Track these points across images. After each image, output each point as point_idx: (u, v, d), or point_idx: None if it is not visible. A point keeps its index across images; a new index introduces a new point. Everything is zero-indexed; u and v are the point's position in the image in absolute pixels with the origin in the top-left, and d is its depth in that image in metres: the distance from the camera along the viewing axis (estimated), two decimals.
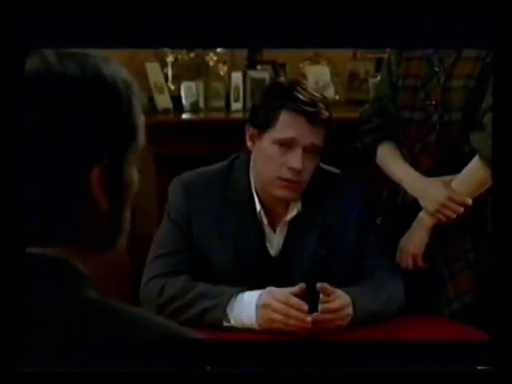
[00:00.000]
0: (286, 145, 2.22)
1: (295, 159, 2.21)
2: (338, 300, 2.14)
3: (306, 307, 2.11)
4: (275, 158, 2.24)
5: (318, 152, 2.26)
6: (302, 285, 2.14)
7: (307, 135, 2.22)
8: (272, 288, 2.16)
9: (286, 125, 2.22)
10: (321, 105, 2.23)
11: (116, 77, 1.06)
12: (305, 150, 2.22)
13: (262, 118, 2.26)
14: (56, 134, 1.01)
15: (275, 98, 2.25)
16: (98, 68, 1.05)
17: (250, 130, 2.30)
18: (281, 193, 2.26)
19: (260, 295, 2.15)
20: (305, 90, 2.25)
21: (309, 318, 2.11)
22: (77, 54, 1.05)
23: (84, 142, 1.02)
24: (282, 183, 2.24)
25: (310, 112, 2.21)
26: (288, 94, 2.24)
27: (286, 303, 2.11)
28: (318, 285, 2.13)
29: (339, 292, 2.16)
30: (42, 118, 1.00)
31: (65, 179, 1.02)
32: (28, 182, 1.00)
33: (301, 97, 2.22)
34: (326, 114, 2.23)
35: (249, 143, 2.31)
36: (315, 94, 2.26)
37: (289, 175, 2.23)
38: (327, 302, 2.13)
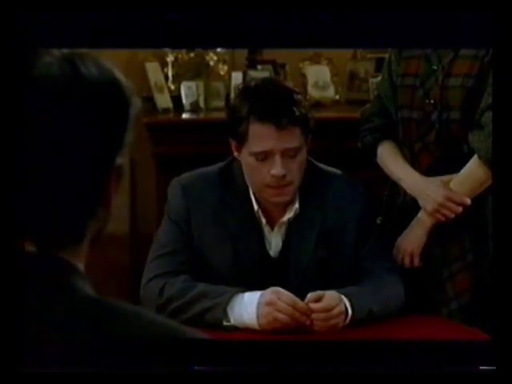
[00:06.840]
0: (263, 155, 2.21)
1: (275, 167, 2.20)
2: (325, 299, 2.15)
3: (310, 313, 2.13)
4: (257, 169, 2.23)
5: (298, 151, 2.23)
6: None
7: (280, 142, 2.19)
8: (278, 288, 2.17)
9: (257, 138, 2.20)
10: (290, 105, 2.20)
11: (122, 78, 1.06)
12: (283, 154, 2.21)
13: (235, 131, 2.25)
14: (81, 135, 1.00)
15: (242, 110, 2.22)
16: (112, 70, 1.05)
17: (231, 142, 2.29)
18: (274, 199, 2.27)
19: (263, 294, 2.16)
20: (271, 92, 2.22)
21: (308, 322, 2.14)
22: (91, 55, 1.04)
23: (108, 142, 1.02)
24: (272, 190, 2.24)
25: (277, 118, 2.18)
26: (253, 103, 2.21)
27: (293, 306, 2.12)
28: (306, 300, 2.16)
29: (327, 292, 2.17)
30: (68, 120, 0.99)
31: (87, 182, 1.01)
32: (45, 184, 0.99)
33: (265, 103, 2.20)
34: (296, 112, 2.20)
35: (235, 153, 2.30)
36: (283, 92, 2.23)
37: (274, 182, 2.22)
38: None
